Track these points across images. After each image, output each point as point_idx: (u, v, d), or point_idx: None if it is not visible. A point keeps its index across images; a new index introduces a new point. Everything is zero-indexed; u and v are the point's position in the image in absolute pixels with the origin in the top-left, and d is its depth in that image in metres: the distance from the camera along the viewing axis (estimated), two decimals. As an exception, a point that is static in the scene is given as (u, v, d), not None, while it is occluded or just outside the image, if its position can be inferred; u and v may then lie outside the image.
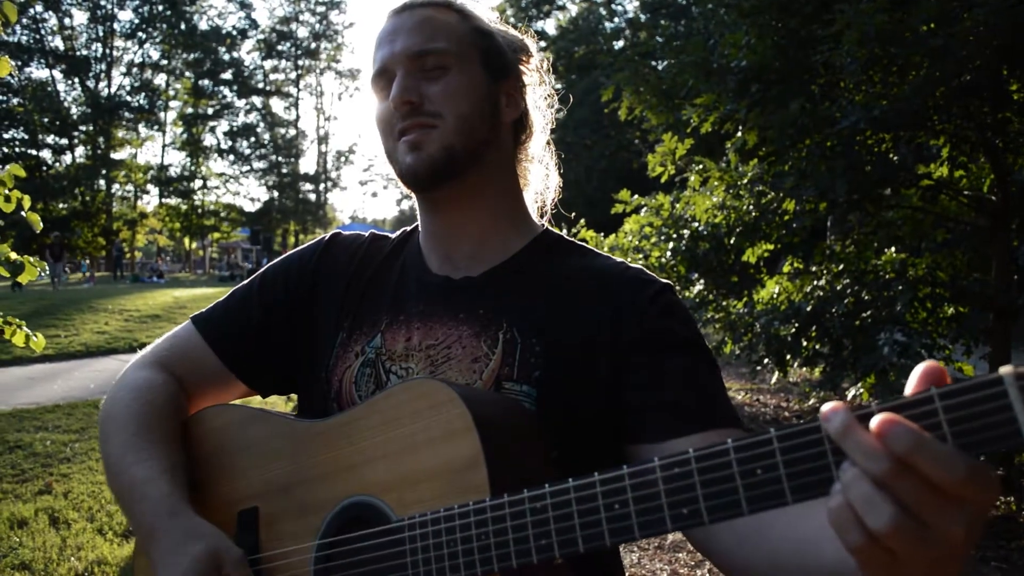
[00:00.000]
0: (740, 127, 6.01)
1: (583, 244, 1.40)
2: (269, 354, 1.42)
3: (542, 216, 1.47)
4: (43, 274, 4.00)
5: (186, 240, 55.91)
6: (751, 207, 6.62)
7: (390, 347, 1.29)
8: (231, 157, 55.37)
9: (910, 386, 0.72)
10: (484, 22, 1.36)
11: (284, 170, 59.10)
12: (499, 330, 1.24)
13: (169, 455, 1.27)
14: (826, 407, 0.72)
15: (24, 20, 46.28)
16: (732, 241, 6.78)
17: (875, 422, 0.68)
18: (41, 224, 4.10)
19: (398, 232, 1.50)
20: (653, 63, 7.67)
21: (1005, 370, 0.66)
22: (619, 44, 43.66)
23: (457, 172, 1.27)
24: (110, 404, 1.36)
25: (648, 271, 1.31)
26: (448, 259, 1.35)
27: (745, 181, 6.66)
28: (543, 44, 53.16)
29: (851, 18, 4.53)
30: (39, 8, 47.30)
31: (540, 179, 1.45)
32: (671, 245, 7.23)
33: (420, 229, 1.42)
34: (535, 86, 1.44)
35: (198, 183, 53.56)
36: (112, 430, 1.32)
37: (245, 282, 1.49)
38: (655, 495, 0.82)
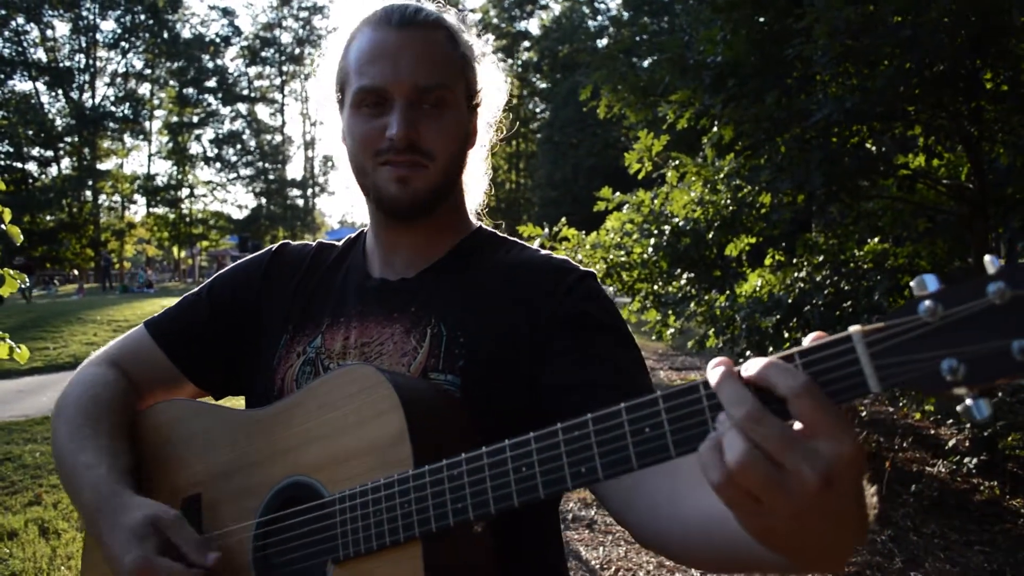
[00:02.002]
0: (716, 122, 6.05)
1: (513, 239, 1.46)
2: (216, 355, 1.49)
3: (479, 217, 1.53)
4: (23, 286, 4.01)
5: (175, 249, 55.74)
6: (728, 201, 6.68)
7: (329, 346, 1.35)
8: (218, 165, 55.30)
9: None
10: (466, 44, 1.36)
11: (271, 176, 58.94)
12: (427, 325, 1.30)
13: (111, 443, 1.33)
14: (712, 361, 0.80)
15: (5, 32, 46.12)
16: (711, 235, 6.84)
17: (752, 368, 0.77)
18: (21, 237, 4.11)
19: (344, 239, 1.55)
20: (636, 60, 7.72)
21: (854, 328, 0.75)
22: (603, 42, 43.69)
23: (436, 205, 1.33)
24: (61, 398, 1.43)
25: (571, 261, 1.37)
26: (388, 263, 1.41)
27: (722, 176, 6.71)
28: (527, 44, 53.29)
29: (820, 12, 4.58)
30: (20, 20, 47.10)
31: (478, 181, 1.50)
32: (652, 241, 7.28)
33: (368, 232, 1.48)
34: (484, 91, 1.43)
35: (185, 192, 53.44)
36: (60, 421, 1.39)
37: (196, 288, 1.56)
38: (557, 456, 0.91)
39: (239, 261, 1.57)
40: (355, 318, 1.36)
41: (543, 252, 1.40)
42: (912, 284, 0.75)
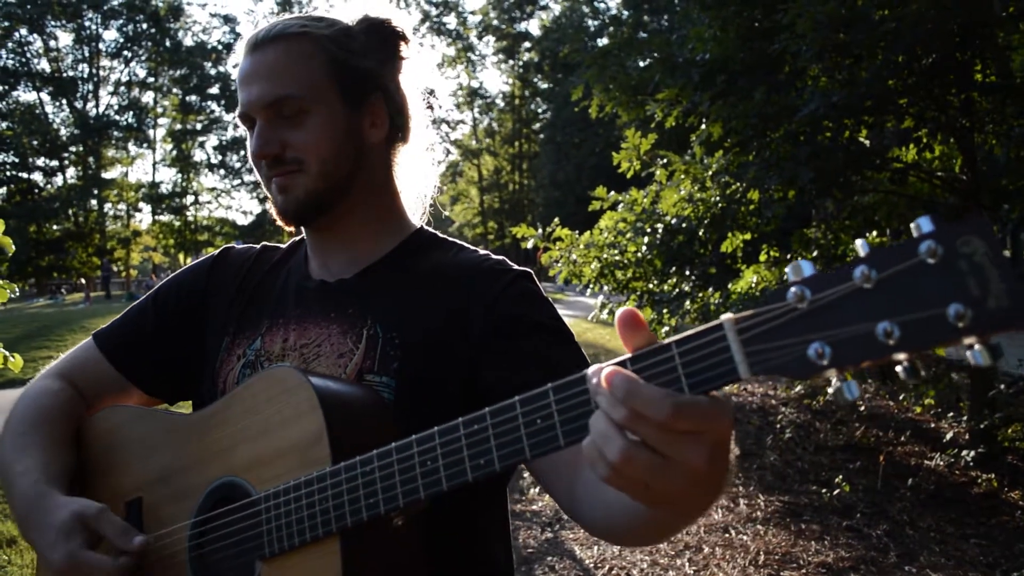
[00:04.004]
0: (704, 120, 6.06)
1: (453, 240, 1.46)
2: (162, 362, 1.51)
3: (423, 214, 1.52)
4: (13, 295, 4.05)
5: (180, 256, 55.82)
6: (717, 199, 6.68)
7: (268, 348, 1.37)
8: (222, 171, 55.17)
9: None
10: (337, 43, 1.34)
11: (276, 182, 58.96)
12: (363, 327, 1.31)
13: (47, 450, 1.36)
14: (592, 367, 0.82)
15: (9, 44, 46.29)
16: (702, 233, 6.84)
17: (603, 375, 0.78)
18: (13, 247, 4.14)
19: (289, 242, 1.57)
20: (636, 58, 7.72)
21: (726, 317, 0.76)
22: (603, 41, 43.63)
23: (325, 209, 1.35)
24: (11, 411, 1.47)
25: (508, 261, 1.37)
26: (325, 265, 1.43)
27: (710, 173, 6.72)
28: (527, 45, 53.23)
29: (803, 6, 4.58)
30: (24, 31, 47.29)
31: (419, 178, 1.50)
32: (646, 239, 7.28)
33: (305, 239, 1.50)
34: (407, 80, 1.44)
35: (190, 199, 53.48)
36: (5, 433, 1.42)
37: (142, 297, 1.58)
38: (459, 449, 0.94)
39: (184, 267, 1.60)
40: (294, 320, 1.38)
41: (481, 253, 1.40)
42: (787, 270, 0.75)
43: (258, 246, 1.59)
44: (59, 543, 1.18)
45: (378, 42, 1.39)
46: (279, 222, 1.38)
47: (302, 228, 1.44)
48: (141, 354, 1.51)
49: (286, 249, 1.55)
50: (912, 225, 0.69)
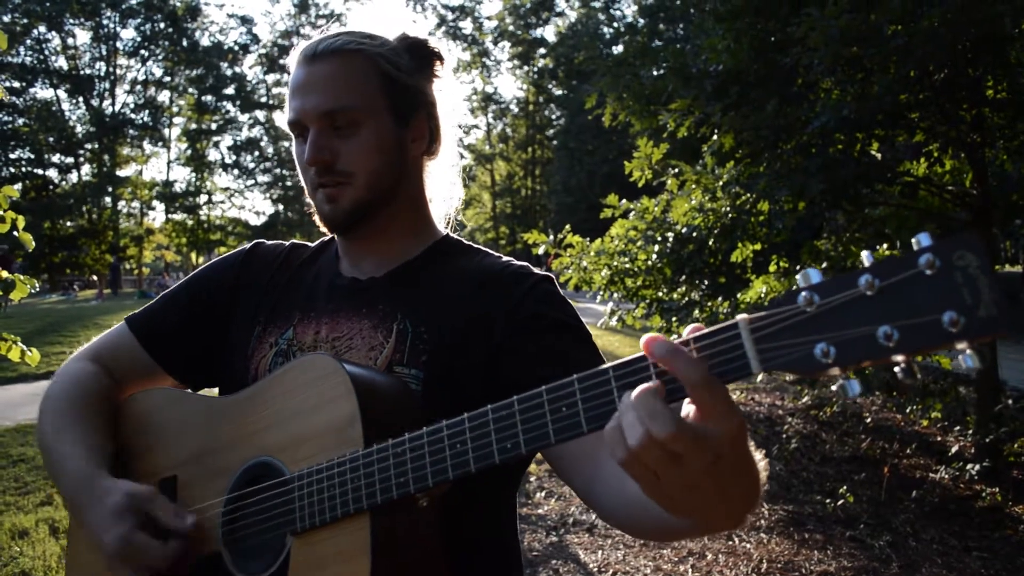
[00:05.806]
0: (716, 130, 6.11)
1: (478, 247, 1.54)
2: (192, 349, 1.58)
3: (447, 224, 1.60)
4: (33, 290, 4.13)
5: (193, 255, 56.08)
6: (728, 209, 6.73)
7: (301, 339, 1.44)
8: (235, 171, 55.33)
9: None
10: (390, 62, 1.42)
11: (288, 183, 59.03)
12: (394, 322, 1.39)
13: (91, 431, 1.44)
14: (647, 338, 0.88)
15: (28, 41, 46.64)
16: (712, 243, 6.89)
17: (642, 342, 0.86)
18: (33, 243, 4.22)
19: (318, 241, 1.65)
20: (652, 67, 7.79)
21: (741, 317, 0.84)
22: (618, 49, 43.67)
23: (368, 218, 1.42)
24: (48, 392, 1.54)
25: (530, 267, 1.45)
26: (357, 265, 1.51)
27: (721, 183, 6.77)
28: (543, 51, 53.30)
29: (816, 20, 4.63)
30: (42, 29, 47.64)
31: (447, 189, 1.58)
32: (656, 248, 7.33)
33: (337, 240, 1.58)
34: (441, 98, 1.52)
35: (203, 198, 53.66)
36: (45, 414, 1.50)
37: (175, 284, 1.66)
38: (487, 434, 1.01)
39: (217, 258, 1.67)
40: (326, 314, 1.45)
41: (505, 259, 1.48)
42: (798, 277, 0.82)
43: (287, 243, 1.66)
44: (112, 524, 1.25)
45: (419, 60, 1.47)
46: (323, 228, 1.45)
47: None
48: (173, 341, 1.58)
49: (316, 247, 1.63)
50: (912, 240, 0.76)
